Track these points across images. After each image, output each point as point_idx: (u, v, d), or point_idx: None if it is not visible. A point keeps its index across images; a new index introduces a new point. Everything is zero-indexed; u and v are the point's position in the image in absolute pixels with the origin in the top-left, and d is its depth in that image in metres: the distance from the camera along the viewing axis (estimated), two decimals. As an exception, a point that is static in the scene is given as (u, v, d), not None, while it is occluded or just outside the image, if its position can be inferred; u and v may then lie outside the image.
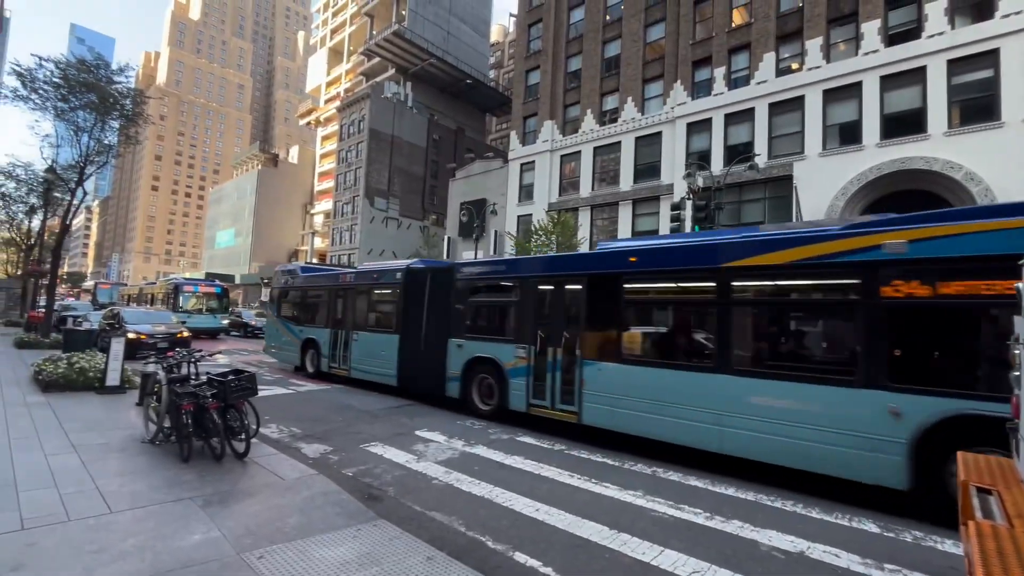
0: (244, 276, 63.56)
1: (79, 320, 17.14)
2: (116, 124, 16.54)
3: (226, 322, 25.89)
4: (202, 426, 5.56)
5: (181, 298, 24.28)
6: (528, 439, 7.27)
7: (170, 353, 6.71)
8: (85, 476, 4.80)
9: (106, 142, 16.64)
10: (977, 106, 18.17)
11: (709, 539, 4.13)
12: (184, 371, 6.53)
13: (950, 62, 18.57)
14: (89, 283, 70.04)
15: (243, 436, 5.58)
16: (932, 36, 18.95)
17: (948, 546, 4.08)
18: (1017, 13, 17.51)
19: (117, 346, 9.19)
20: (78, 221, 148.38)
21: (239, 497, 4.54)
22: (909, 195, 19.38)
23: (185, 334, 15.87)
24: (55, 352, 11.26)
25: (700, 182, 17.63)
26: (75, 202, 16.77)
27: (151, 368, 7.50)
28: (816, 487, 5.31)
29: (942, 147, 18.32)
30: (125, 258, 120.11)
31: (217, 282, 28.46)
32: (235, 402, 5.52)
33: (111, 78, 16.36)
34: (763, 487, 5.39)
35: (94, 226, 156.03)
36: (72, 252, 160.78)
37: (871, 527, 4.42)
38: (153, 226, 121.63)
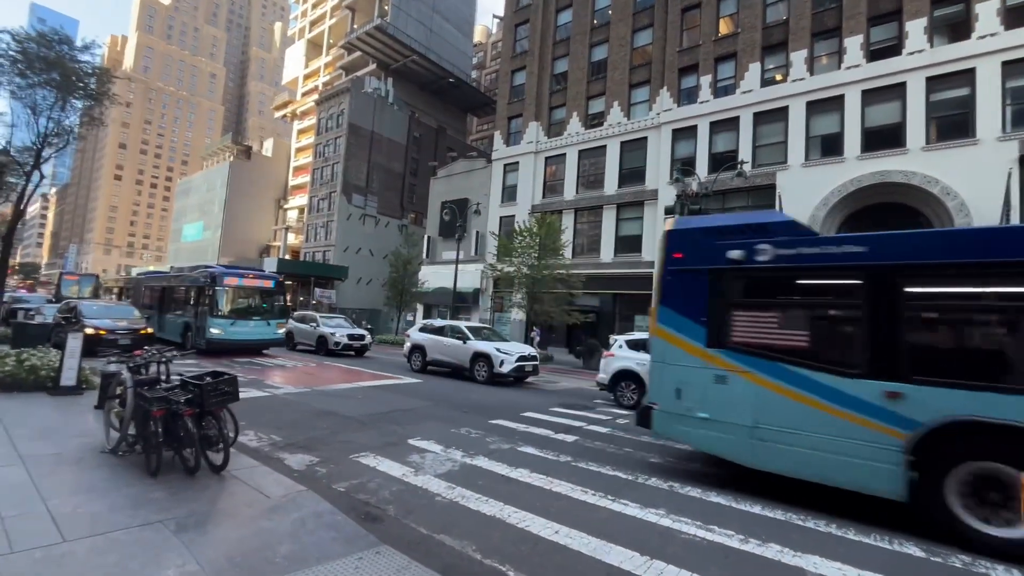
0: (212, 271, 61.29)
1: (31, 313, 15.92)
2: (79, 104, 15.42)
3: (283, 331, 17.94)
4: (173, 435, 4.93)
5: (219, 295, 16.02)
6: (530, 450, 6.83)
7: (137, 352, 6.01)
8: (33, 495, 4.13)
9: (67, 123, 15.51)
10: (954, 123, 18.66)
11: (750, 566, 3.78)
12: (153, 372, 5.85)
13: (929, 79, 19.04)
14: (47, 273, 61.54)
15: (220, 446, 4.97)
16: (912, 53, 19.40)
17: (999, 572, 3.83)
18: (992, 35, 18.08)
19: (74, 342, 8.35)
20: (33, 209, 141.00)
21: (218, 519, 3.96)
22: (887, 207, 19.80)
23: (149, 331, 14.84)
24: (2, 348, 10.25)
25: (694, 186, 17.58)
26: (30, 187, 15.56)
27: (114, 368, 6.78)
28: (843, 505, 5.04)
29: (920, 162, 18.74)
30: (84, 249, 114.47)
31: (271, 273, 20.29)
32: (213, 408, 4.91)
33: (75, 55, 15.25)
34: (790, 505, 5.08)
35: (50, 215, 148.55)
36: (26, 242, 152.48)
37: (915, 551, 4.15)
38: (115, 217, 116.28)
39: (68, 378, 8.25)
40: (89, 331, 12.04)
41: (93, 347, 11.84)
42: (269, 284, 18.01)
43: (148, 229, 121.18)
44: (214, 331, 15.62)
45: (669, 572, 3.61)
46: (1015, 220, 16.70)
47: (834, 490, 4.91)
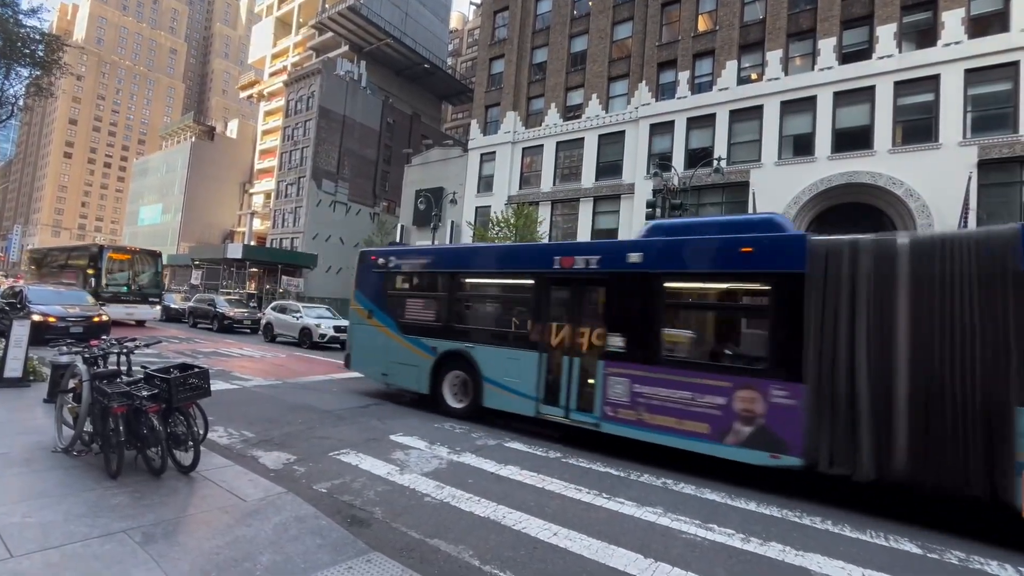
0: (172, 256, 58.38)
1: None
2: (25, 72, 14.25)
3: None
4: (136, 433, 4.50)
5: None
6: (518, 445, 6.64)
7: (94, 341, 5.49)
8: (-26, 501, 3.69)
9: (10, 93, 14.33)
10: (918, 127, 19.30)
11: (755, 567, 3.69)
12: (112, 364, 5.36)
13: (896, 83, 19.61)
14: (68, 242, 50.68)
15: (190, 444, 4.58)
16: (882, 58, 19.93)
17: (994, 567, 3.87)
18: (957, 43, 18.73)
19: (20, 330, 7.67)
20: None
21: (190, 527, 3.61)
22: (856, 207, 20.39)
23: (104, 318, 13.93)
24: (-63, 335, 9.36)
25: (676, 180, 17.64)
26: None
27: (66, 359, 6.24)
28: (831, 497, 5.06)
29: (886, 163, 19.33)
30: (29, 230, 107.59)
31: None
32: (182, 404, 4.51)
33: (19, 19, 14.06)
34: (785, 499, 5.07)
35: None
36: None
37: (910, 547, 4.16)
38: (64, 196, 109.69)
39: (13, 369, 7.59)
40: (37, 318, 11.18)
41: (42, 335, 11.00)
42: None
43: (101, 211, 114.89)
44: None
45: (675, 574, 3.49)
46: (972, 222, 17.45)
47: (820, 486, 4.92)
